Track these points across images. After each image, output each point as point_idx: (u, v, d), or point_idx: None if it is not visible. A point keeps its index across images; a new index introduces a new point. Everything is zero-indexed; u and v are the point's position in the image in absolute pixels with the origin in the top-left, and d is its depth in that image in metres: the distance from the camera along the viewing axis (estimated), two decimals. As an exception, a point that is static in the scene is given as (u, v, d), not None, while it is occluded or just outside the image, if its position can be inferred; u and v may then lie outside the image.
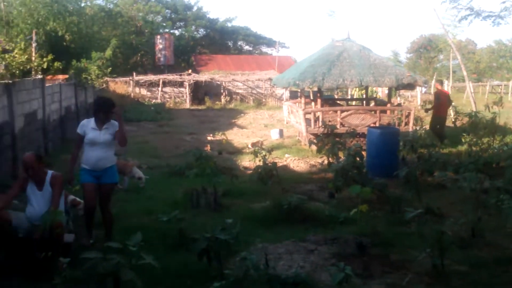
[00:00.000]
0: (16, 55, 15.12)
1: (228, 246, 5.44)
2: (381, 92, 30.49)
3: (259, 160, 10.50)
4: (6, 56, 14.22)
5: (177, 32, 49.43)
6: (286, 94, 34.46)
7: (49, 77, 18.68)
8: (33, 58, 17.39)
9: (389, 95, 17.43)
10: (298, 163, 13.27)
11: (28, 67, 16.48)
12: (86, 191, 6.73)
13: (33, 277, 5.66)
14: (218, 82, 37.14)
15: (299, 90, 17.70)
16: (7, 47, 15.88)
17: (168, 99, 36.08)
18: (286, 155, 14.30)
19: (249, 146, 11.51)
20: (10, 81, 11.28)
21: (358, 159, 9.41)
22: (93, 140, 6.64)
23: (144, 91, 36.39)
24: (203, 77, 37.14)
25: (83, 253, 4.58)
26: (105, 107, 6.73)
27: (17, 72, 15.22)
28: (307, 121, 15.50)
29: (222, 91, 37.12)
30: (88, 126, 6.74)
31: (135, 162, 11.16)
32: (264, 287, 5.28)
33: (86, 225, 6.89)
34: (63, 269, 4.24)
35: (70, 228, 6.89)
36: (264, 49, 54.16)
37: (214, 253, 5.41)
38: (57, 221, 5.37)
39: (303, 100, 16.55)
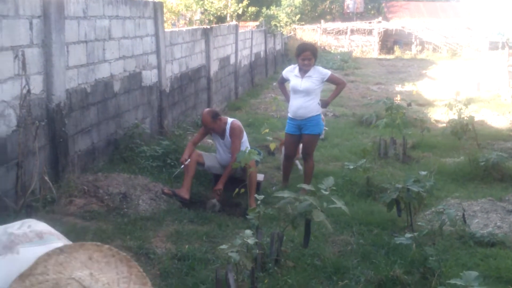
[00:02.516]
0: (214, 1, 15.84)
1: (420, 199, 5.20)
2: None
3: (453, 114, 9.83)
4: (205, 2, 14.99)
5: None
6: (486, 44, 31.64)
7: (240, 23, 19.44)
8: (229, 4, 18.15)
9: None
10: (497, 119, 12.20)
11: (225, 12, 17.24)
12: (286, 141, 6.96)
13: (227, 211, 6.06)
14: (410, 31, 35.46)
15: (500, 41, 16.07)
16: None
17: (355, 48, 35.50)
18: (483, 110, 13.20)
19: (455, 95, 10.70)
20: (208, 26, 11.91)
21: None
22: (294, 87, 6.65)
23: (331, 39, 36.26)
24: (394, 25, 35.72)
25: (277, 192, 4.72)
26: (298, 51, 6.72)
27: (213, 18, 15.98)
28: (511, 74, 14.09)
29: (413, 40, 35.40)
30: (292, 73, 6.75)
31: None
32: (456, 243, 5.03)
33: (282, 172, 7.13)
34: (256, 206, 4.41)
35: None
36: (464, -5, 50.08)
37: (405, 204, 5.23)
38: (251, 160, 5.58)
39: (506, 50, 15.03)
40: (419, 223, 5.19)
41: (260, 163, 7.11)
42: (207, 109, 6.69)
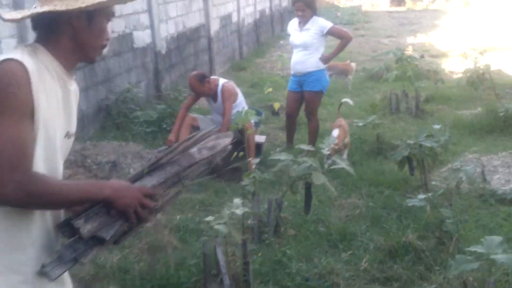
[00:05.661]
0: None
1: (434, 155, 4.74)
2: None
3: (469, 63, 9.25)
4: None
5: None
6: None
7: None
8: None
9: None
10: (514, 67, 11.57)
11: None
12: (287, 98, 6.58)
13: (224, 177, 5.64)
14: (421, -19, 34.20)
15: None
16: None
17: (364, 1, 34.42)
18: (500, 58, 12.55)
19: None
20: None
21: None
22: (292, 41, 6.31)
23: (340, -6, 35.14)
24: (404, -25, 34.45)
25: (273, 155, 4.30)
26: (292, 1, 6.24)
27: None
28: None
29: (425, -10, 34.17)
30: (292, 27, 6.32)
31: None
32: (475, 203, 4.60)
33: (286, 132, 6.69)
34: (252, 170, 3.99)
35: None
36: None
37: (418, 162, 4.77)
38: (247, 122, 5.12)
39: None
40: (434, 182, 4.78)
41: (261, 124, 6.67)
42: (194, 72, 6.18)
